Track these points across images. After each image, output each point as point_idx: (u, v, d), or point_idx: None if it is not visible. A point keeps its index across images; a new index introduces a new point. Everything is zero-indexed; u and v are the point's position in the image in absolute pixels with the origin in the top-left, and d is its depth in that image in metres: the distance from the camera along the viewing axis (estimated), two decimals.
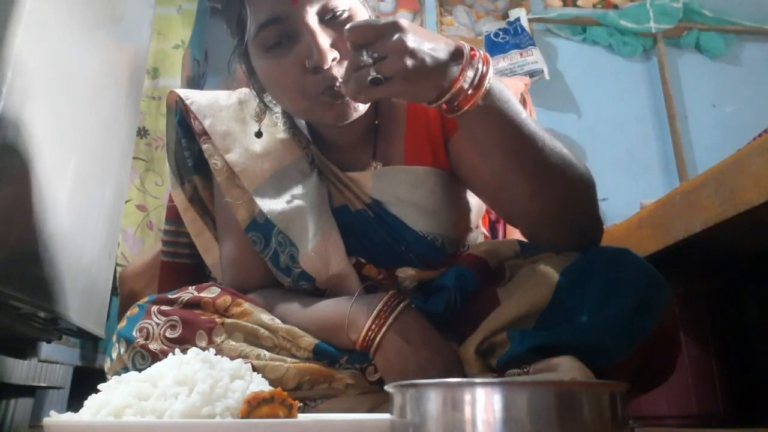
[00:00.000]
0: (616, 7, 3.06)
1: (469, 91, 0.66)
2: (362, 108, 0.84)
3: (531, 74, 2.72)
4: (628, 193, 2.59)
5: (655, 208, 1.14)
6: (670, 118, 2.82)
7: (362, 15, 0.84)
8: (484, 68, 0.67)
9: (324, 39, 0.78)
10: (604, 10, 3.05)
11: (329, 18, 0.80)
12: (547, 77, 2.75)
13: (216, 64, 2.62)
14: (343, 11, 0.81)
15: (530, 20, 2.92)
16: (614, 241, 1.27)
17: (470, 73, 0.66)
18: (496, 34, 2.84)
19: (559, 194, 0.76)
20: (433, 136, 0.91)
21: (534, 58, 2.73)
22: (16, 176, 0.83)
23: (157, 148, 2.13)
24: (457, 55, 0.66)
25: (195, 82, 2.41)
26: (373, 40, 0.63)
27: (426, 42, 0.64)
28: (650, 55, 3.01)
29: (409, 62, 0.62)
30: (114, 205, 1.28)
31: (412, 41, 0.63)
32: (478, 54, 0.67)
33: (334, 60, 0.78)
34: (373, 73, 0.63)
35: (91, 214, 1.14)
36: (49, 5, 0.92)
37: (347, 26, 0.65)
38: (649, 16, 2.96)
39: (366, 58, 0.63)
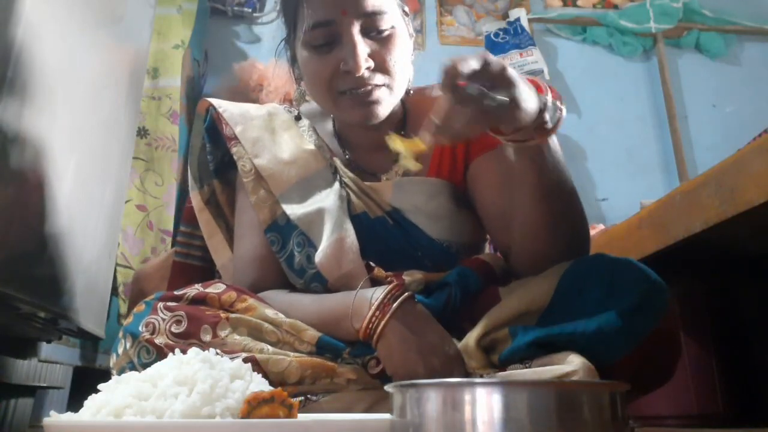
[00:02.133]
0: (616, 7, 3.06)
1: (547, 126, 0.71)
2: (387, 109, 0.90)
3: (531, 74, 2.72)
4: (628, 193, 2.59)
5: (655, 208, 1.14)
6: (670, 118, 2.82)
7: (404, 34, 0.92)
8: (561, 111, 0.72)
9: (363, 50, 0.86)
10: (604, 10, 3.05)
11: (372, 32, 0.88)
12: (547, 77, 2.75)
13: (216, 64, 2.62)
14: (386, 29, 0.88)
15: (530, 20, 2.92)
16: (614, 241, 1.28)
17: (551, 113, 0.71)
18: (496, 34, 2.84)
19: (563, 235, 0.81)
20: (458, 153, 0.96)
21: (534, 58, 2.74)
22: (16, 176, 0.83)
23: (157, 148, 2.13)
24: (537, 90, 0.70)
25: (195, 82, 2.41)
26: (479, 70, 0.64)
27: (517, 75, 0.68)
28: (650, 55, 3.01)
29: (516, 91, 0.65)
30: (114, 205, 1.28)
31: (512, 73, 0.66)
32: (557, 95, 0.72)
33: (368, 68, 0.87)
34: (497, 97, 0.63)
35: (91, 214, 1.14)
36: (49, 5, 0.92)
37: (449, 61, 0.63)
38: (649, 16, 2.96)
39: (472, 91, 0.62)
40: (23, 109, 0.84)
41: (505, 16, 2.95)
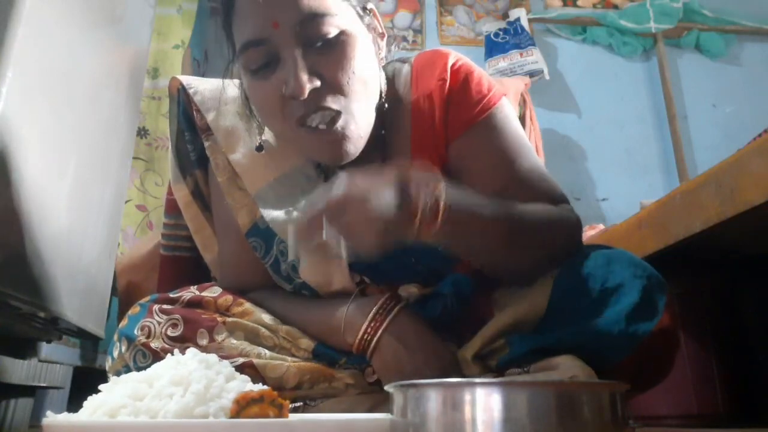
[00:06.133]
0: (616, 7, 3.06)
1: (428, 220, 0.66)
2: (359, 142, 0.78)
3: (531, 74, 2.72)
4: (628, 193, 2.60)
5: (655, 208, 1.14)
6: (670, 118, 2.82)
7: (362, 39, 0.77)
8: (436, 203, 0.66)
9: (303, 67, 0.71)
10: (604, 10, 3.05)
11: (317, 42, 0.73)
12: (547, 77, 2.75)
13: (216, 64, 2.62)
14: (334, 35, 0.74)
15: (530, 20, 2.92)
16: (614, 241, 1.27)
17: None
18: (496, 34, 2.84)
19: (537, 257, 0.76)
20: (437, 138, 0.85)
21: (534, 58, 2.73)
22: (16, 176, 0.83)
23: (157, 148, 2.13)
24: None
25: None
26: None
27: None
28: (650, 55, 3.01)
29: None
30: (114, 205, 1.28)
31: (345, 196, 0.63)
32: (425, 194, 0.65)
33: (315, 89, 0.72)
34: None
35: (91, 214, 1.14)
36: (49, 5, 0.92)
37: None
38: (649, 16, 2.96)
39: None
40: (23, 109, 0.84)
41: (505, 16, 2.95)
